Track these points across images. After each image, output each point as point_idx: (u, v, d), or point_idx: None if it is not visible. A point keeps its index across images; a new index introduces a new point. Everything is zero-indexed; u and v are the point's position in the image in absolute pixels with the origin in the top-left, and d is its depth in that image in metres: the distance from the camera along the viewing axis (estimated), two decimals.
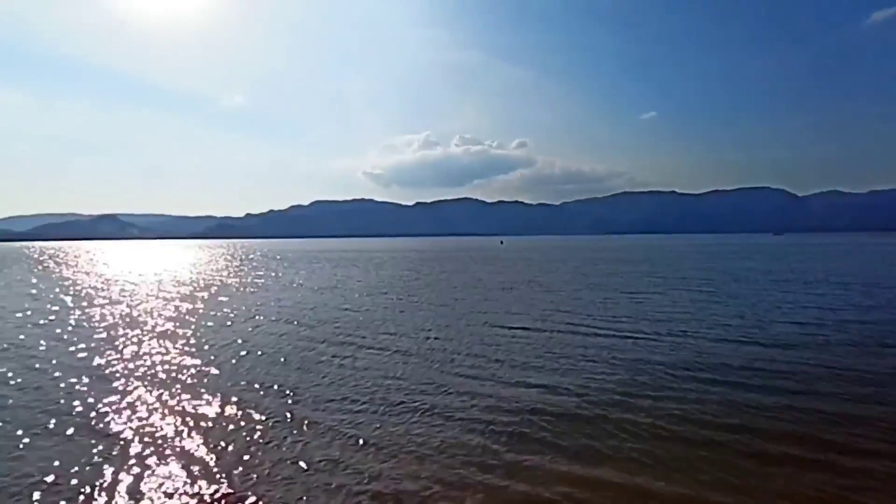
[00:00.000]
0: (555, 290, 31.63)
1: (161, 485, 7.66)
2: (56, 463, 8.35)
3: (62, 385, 12.74)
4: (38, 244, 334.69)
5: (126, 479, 7.79)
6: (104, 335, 19.26)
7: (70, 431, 9.68)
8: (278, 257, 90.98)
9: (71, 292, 34.98)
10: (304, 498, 7.20)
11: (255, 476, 7.83)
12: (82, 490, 7.48)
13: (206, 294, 32.90)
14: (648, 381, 12.48)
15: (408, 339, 17.94)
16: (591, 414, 10.33)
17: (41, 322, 22.49)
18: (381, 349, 16.42)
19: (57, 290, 36.91)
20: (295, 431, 9.60)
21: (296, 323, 21.54)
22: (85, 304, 28.76)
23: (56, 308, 27.01)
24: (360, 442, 9.08)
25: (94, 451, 8.81)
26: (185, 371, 14.04)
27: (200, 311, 25.45)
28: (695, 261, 63.26)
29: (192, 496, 7.33)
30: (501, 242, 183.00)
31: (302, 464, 8.25)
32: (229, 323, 21.84)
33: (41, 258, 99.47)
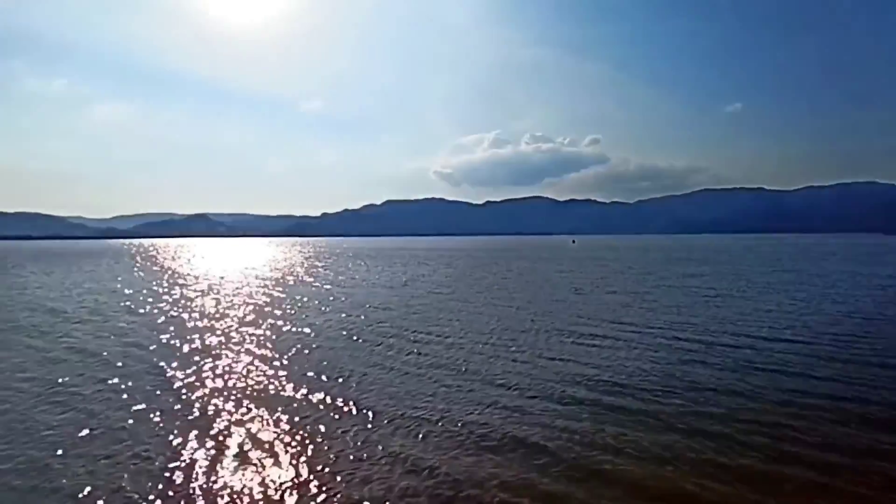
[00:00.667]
0: (626, 292, 30.48)
1: (228, 466, 8.15)
2: (143, 437, 9.11)
3: (149, 365, 13.89)
4: (138, 241, 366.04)
5: (197, 457, 8.39)
6: (189, 323, 20.75)
7: (150, 406, 10.53)
8: (350, 254, 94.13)
9: (165, 284, 38.01)
10: (365, 488, 7.37)
11: (318, 464, 8.13)
12: (154, 462, 8.10)
13: (282, 288, 34.58)
14: (731, 398, 11.73)
15: (472, 338, 17.92)
16: (653, 420, 9.85)
17: (140, 310, 24.58)
18: (446, 347, 16.55)
19: (153, 281, 40.24)
20: (359, 422, 9.87)
21: (364, 317, 22.15)
22: (176, 294, 31.14)
23: (150, 297, 29.43)
24: (420, 435, 9.21)
25: (172, 427, 9.54)
26: (259, 359, 14.86)
27: (277, 304, 26.77)
28: (785, 262, 58.78)
29: (257, 478, 7.77)
30: (573, 242, 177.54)
31: (364, 454, 8.48)
32: (303, 315, 22.88)
33: (140, 254, 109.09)
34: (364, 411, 10.46)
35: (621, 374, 13.03)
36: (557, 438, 9.05)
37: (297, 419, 10.09)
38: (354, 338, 17.93)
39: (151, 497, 7.19)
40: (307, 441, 9.05)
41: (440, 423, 9.80)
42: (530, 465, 8.07)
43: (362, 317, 22.47)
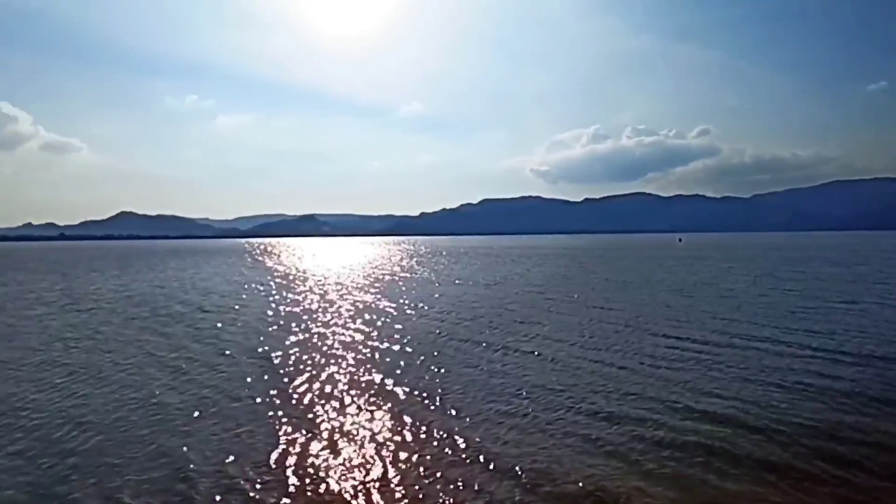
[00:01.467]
0: (739, 296, 27.96)
1: (318, 454, 8.65)
2: (245, 420, 9.96)
3: (260, 353, 15.14)
4: (256, 240, 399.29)
5: (291, 441, 9.02)
6: (296, 315, 22.30)
7: (254, 392, 11.46)
8: (447, 252, 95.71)
9: (277, 279, 41.21)
10: (444, 494, 7.38)
11: (401, 465, 8.23)
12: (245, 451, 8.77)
13: (381, 285, 36.01)
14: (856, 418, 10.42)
15: (564, 339, 17.45)
16: (764, 441, 8.98)
17: (255, 302, 26.86)
18: (536, 346, 16.34)
19: (267, 276, 43.78)
20: (441, 423, 9.87)
21: (456, 315, 22.46)
22: (287, 288, 33.62)
23: (265, 291, 32.03)
24: (500, 439, 9.08)
25: (271, 411, 10.33)
26: (357, 352, 15.63)
27: (375, 299, 27.93)
28: None
29: (346, 468, 8.15)
30: (680, 240, 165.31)
31: (447, 452, 8.59)
32: (400, 311, 23.70)
33: (257, 252, 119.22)
34: (454, 408, 10.62)
35: (721, 382, 12.05)
36: (650, 445, 8.61)
37: (391, 413, 10.48)
38: (445, 334, 18.26)
39: (248, 478, 7.80)
40: (400, 434, 9.36)
41: (525, 420, 9.78)
42: (635, 470, 7.73)
43: (454, 314, 22.81)
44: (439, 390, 11.84)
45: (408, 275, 45.93)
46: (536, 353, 15.46)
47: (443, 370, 13.61)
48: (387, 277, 42.93)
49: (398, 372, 13.48)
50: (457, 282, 38.27)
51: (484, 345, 16.53)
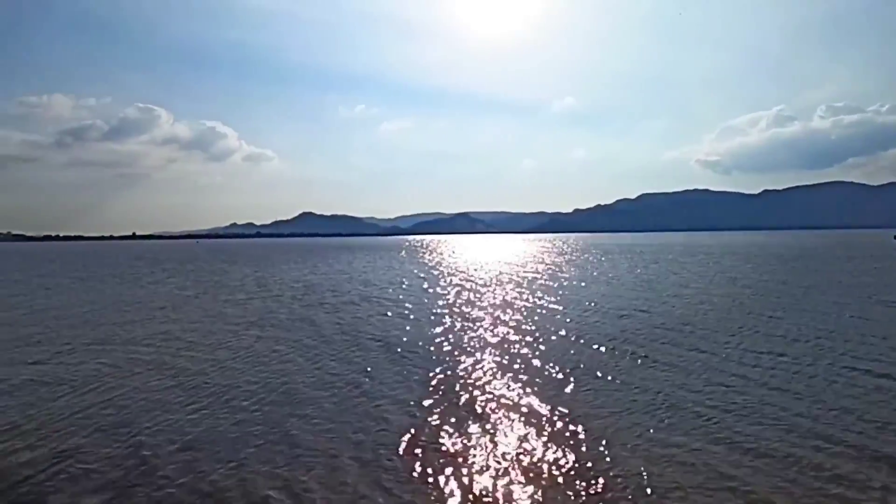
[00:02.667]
0: None
1: (448, 451, 8.84)
2: (382, 403, 10.57)
3: (411, 345, 16.06)
4: (415, 237, 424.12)
5: (422, 433, 9.36)
6: (445, 309, 23.19)
7: (393, 381, 12.08)
8: (599, 250, 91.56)
9: (431, 273, 43.32)
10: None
11: (532, 472, 7.90)
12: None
13: (532, 283, 35.75)
14: None
15: (718, 353, 15.36)
16: None
17: (412, 295, 28.55)
18: (686, 360, 14.57)
19: (422, 271, 46.29)
20: (571, 430, 9.36)
21: (601, 318, 21.35)
22: (442, 283, 35.16)
23: (417, 284, 33.86)
24: (631, 454, 8.34)
25: (407, 398, 10.87)
26: (496, 354, 15.67)
27: (525, 298, 27.77)
28: None
29: (472, 477, 8.18)
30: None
31: (576, 462, 8.22)
32: (548, 311, 23.20)
33: (416, 248, 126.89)
34: (579, 420, 10.01)
35: None
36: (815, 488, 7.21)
37: (516, 419, 10.24)
38: (585, 339, 17.31)
39: (380, 465, 8.28)
40: (524, 445, 9.05)
41: (658, 445, 8.89)
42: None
43: (600, 317, 21.35)
44: (568, 398, 11.38)
45: (559, 273, 44.97)
46: (684, 366, 13.92)
47: (577, 370, 13.13)
48: (538, 276, 42.52)
49: (542, 374, 13.25)
50: (607, 281, 36.38)
51: (622, 352, 15.23)
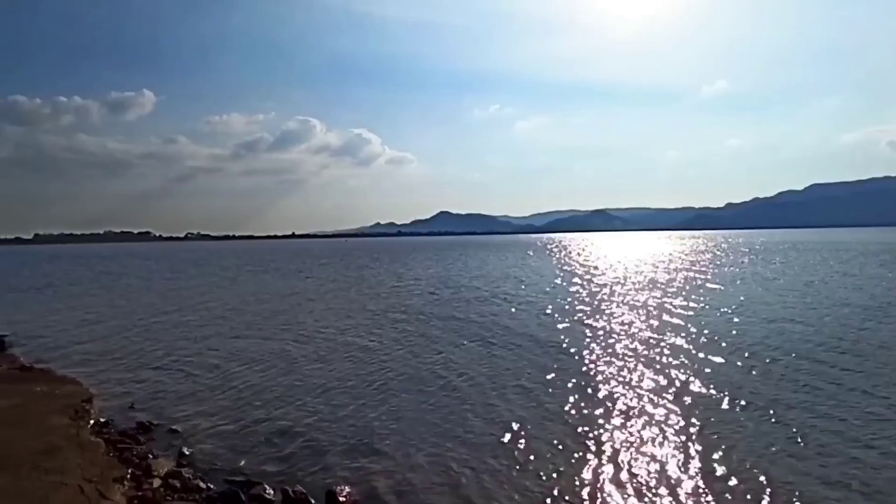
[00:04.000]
0: None
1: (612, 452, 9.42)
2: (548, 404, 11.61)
3: (554, 343, 16.90)
4: (548, 236, 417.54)
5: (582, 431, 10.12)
6: (582, 310, 23.64)
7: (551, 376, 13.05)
8: (749, 249, 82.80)
9: (569, 272, 43.49)
10: None
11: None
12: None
13: (675, 287, 34.30)
14: None
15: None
16: None
17: (547, 294, 29.33)
18: (830, 385, 11.89)
19: (554, 269, 46.56)
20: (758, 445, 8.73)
21: (747, 321, 20.29)
22: (578, 283, 35.38)
23: (548, 282, 34.42)
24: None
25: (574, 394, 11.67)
26: (626, 358, 15.91)
27: (660, 300, 27.02)
28: None
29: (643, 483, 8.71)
30: None
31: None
32: (697, 319, 21.91)
33: (550, 247, 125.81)
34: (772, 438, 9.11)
35: None
36: None
37: (684, 428, 9.85)
38: (725, 348, 16.47)
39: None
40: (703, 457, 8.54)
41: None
42: None
43: (746, 325, 19.56)
44: (752, 407, 11.13)
45: (700, 272, 42.28)
46: (828, 390, 12.38)
47: (746, 385, 12.81)
48: (676, 274, 40.53)
49: (693, 388, 12.32)
50: (759, 283, 33.46)
51: (761, 367, 14.35)
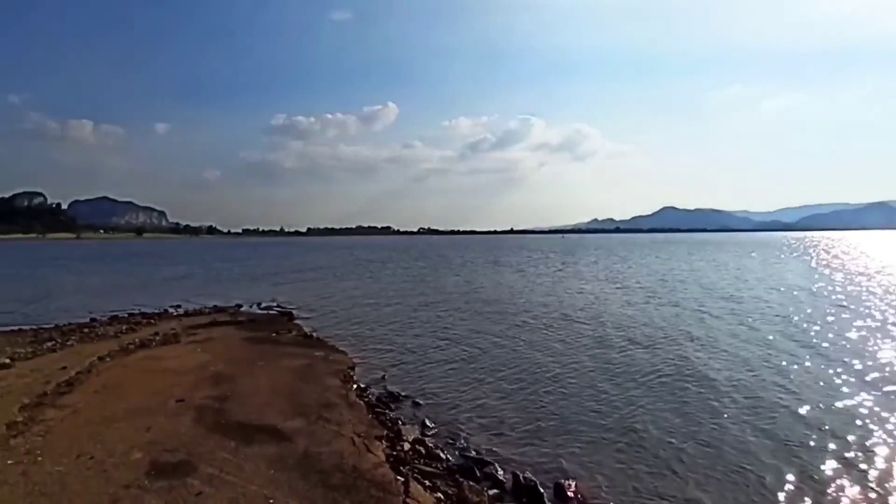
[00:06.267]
0: None
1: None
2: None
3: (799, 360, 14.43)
4: (800, 234, 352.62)
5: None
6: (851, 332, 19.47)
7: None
8: None
9: (822, 279, 36.26)
10: None
11: None
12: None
13: None
14: None
15: None
16: None
17: (798, 304, 25.05)
18: None
19: (813, 276, 39.12)
20: None
21: None
22: (833, 294, 29.33)
23: (812, 293, 29.05)
24: None
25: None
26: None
27: None
28: None
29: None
30: None
31: None
32: None
33: (803, 246, 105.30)
34: None
35: None
36: None
37: None
38: None
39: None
40: None
41: None
42: None
43: None
44: None
45: None
46: None
47: None
48: None
49: None
50: None
51: None
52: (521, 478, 7.89)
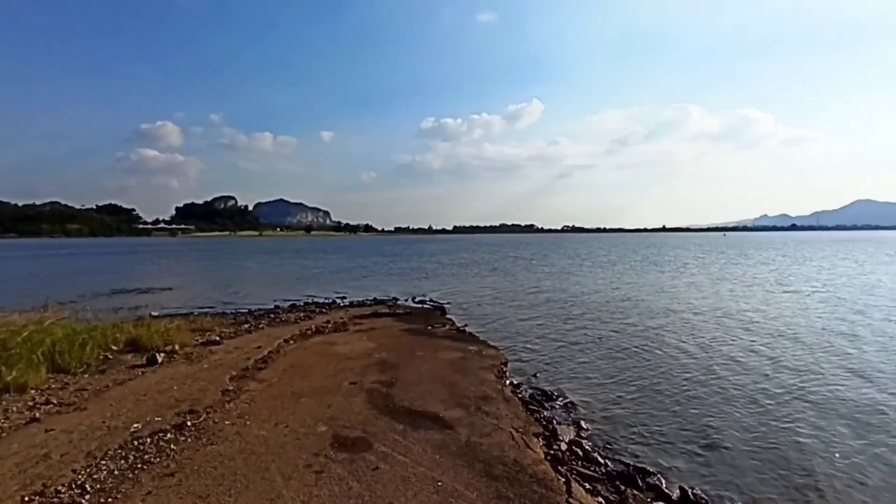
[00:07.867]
0: None
1: None
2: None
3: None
4: None
5: None
6: None
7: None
8: None
9: None
10: None
11: None
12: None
13: None
14: None
15: None
16: None
17: None
18: None
19: None
20: None
21: None
22: None
23: None
24: None
25: None
26: None
27: None
28: None
29: None
30: None
31: None
32: None
33: None
34: None
35: None
36: None
37: None
38: None
39: None
40: None
41: None
42: None
43: None
44: None
45: None
46: None
47: None
48: None
49: None
50: None
51: None
52: (689, 493, 7.36)
